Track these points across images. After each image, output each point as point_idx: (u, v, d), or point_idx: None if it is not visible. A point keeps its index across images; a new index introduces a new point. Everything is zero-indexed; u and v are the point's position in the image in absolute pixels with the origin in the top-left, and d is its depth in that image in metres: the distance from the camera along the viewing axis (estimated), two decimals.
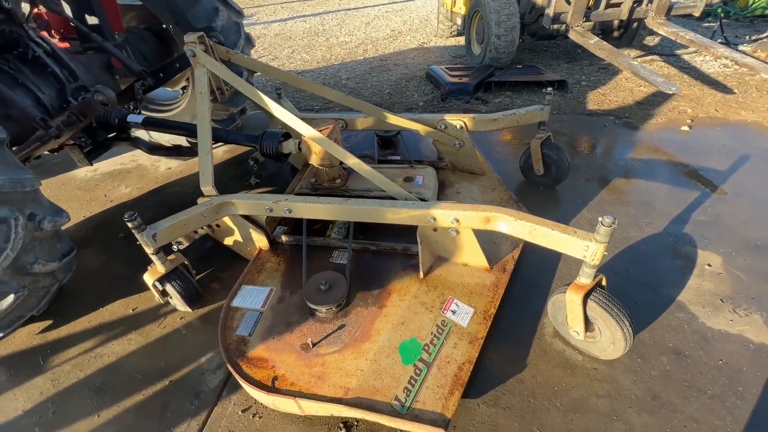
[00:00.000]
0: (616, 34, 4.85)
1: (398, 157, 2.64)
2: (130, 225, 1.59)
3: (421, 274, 1.77)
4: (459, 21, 5.78)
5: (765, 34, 5.00)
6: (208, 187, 1.90)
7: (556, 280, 1.97)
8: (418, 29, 8.11)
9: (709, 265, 1.98)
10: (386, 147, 2.79)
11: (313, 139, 1.88)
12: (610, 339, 1.49)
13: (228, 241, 2.08)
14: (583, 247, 1.39)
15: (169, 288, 1.83)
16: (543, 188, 2.61)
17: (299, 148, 2.09)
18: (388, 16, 9.67)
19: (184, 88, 3.35)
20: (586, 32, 3.91)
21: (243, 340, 1.60)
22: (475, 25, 5.12)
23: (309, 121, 2.42)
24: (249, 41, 3.04)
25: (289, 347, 1.55)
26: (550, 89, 2.26)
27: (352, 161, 1.79)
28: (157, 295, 1.87)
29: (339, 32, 8.56)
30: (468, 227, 1.65)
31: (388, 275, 1.81)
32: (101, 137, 2.45)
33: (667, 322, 1.74)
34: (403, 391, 1.39)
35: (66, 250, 1.82)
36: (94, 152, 2.45)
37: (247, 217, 1.95)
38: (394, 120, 2.29)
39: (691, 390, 1.49)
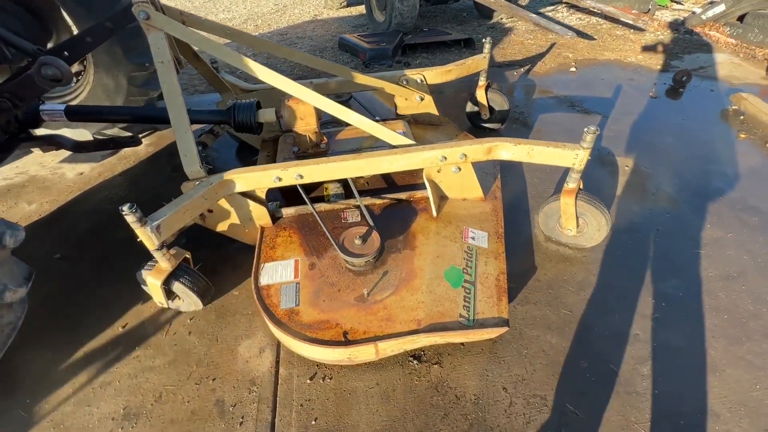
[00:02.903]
0: None
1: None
2: (130, 219, 1.36)
3: (435, 213, 1.91)
4: None
5: None
6: (195, 168, 1.70)
7: (530, 200, 2.32)
8: (303, 2, 7.85)
9: (627, 166, 2.55)
10: None
11: (303, 101, 1.82)
12: (596, 227, 1.87)
13: (222, 227, 1.90)
14: (573, 156, 1.70)
15: (177, 287, 1.63)
16: (489, 131, 2.95)
17: (279, 115, 1.99)
18: None
19: (76, 73, 2.77)
20: None
21: (293, 311, 1.55)
22: None
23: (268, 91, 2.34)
24: None
25: (344, 304, 1.56)
26: (489, 38, 2.54)
27: (355, 117, 1.80)
28: (160, 299, 1.64)
29: (214, 8, 7.77)
30: (473, 160, 1.83)
31: (405, 221, 1.90)
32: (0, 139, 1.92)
33: (617, 211, 2.22)
34: (464, 309, 1.55)
35: (26, 273, 1.46)
36: None
37: (244, 195, 1.81)
38: (362, 80, 2.31)
39: (649, 256, 1.97)
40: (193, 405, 1.48)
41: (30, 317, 1.62)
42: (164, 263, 1.56)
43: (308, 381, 1.52)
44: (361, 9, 6.94)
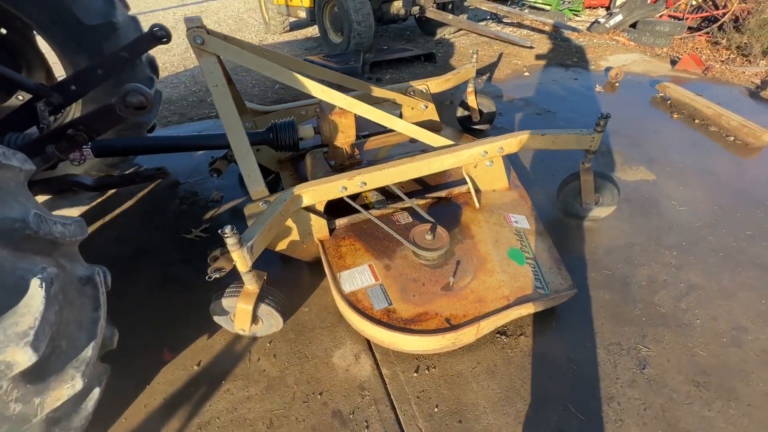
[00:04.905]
0: None
1: (366, 132, 2.80)
2: (230, 241, 1.33)
3: (477, 205, 2.09)
4: (303, 14, 5.90)
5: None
6: (260, 188, 1.69)
7: (537, 184, 2.62)
8: (241, 29, 7.76)
9: (603, 150, 2.99)
10: None
11: (347, 115, 1.90)
12: (610, 199, 2.20)
13: (282, 246, 1.87)
14: (590, 139, 2.01)
15: (263, 309, 1.59)
16: (479, 132, 3.24)
17: (317, 131, 2.04)
18: None
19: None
20: (439, 11, 4.75)
21: (389, 311, 1.60)
22: (327, 16, 5.38)
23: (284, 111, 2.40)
24: None
25: (434, 295, 1.65)
26: (476, 51, 2.84)
27: (401, 125, 1.93)
28: (244, 326, 1.59)
29: None
30: (507, 153, 2.06)
31: (453, 215, 2.05)
32: None
33: None
34: (537, 281, 1.73)
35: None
36: None
37: (306, 209, 1.82)
38: (378, 92, 2.45)
39: (648, 217, 2.35)
40: (310, 422, 1.45)
41: None
42: (252, 285, 1.52)
43: (414, 374, 1.58)
44: (306, 32, 7.07)
